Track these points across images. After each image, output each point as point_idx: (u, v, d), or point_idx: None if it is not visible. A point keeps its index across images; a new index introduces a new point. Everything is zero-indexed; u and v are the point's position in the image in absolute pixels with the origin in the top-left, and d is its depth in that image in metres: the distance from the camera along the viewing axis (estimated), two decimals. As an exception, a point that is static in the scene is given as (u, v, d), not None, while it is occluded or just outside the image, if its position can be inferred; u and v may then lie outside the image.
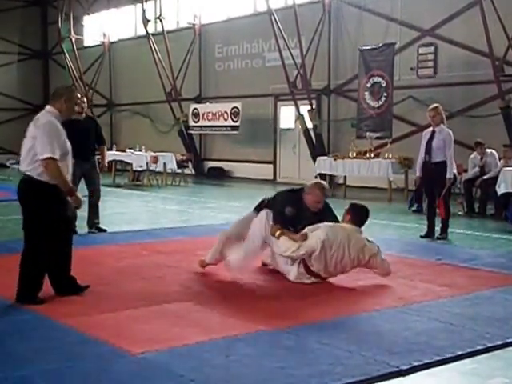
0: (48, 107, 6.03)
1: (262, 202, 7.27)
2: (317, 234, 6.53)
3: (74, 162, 9.63)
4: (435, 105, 9.99)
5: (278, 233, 6.68)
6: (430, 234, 9.77)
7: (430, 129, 9.85)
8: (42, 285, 5.91)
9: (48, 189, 5.81)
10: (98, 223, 10.28)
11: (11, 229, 10.77)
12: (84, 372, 4.22)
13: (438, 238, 9.64)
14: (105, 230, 10.29)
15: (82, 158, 9.58)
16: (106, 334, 4.95)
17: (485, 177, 12.62)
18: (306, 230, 6.68)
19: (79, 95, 9.99)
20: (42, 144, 5.66)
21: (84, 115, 10.03)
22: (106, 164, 10.73)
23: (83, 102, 10.00)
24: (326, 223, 6.77)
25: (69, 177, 5.94)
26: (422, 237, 9.77)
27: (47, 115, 5.89)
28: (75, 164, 9.62)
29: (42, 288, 5.89)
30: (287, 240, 6.62)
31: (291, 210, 6.82)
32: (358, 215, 6.89)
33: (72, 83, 28.22)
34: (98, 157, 10.42)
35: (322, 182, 7.41)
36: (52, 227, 5.95)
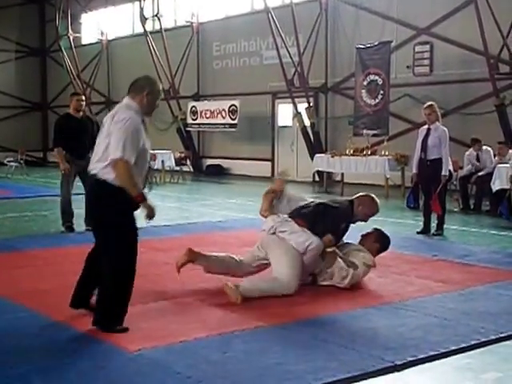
0: (127, 100, 5.15)
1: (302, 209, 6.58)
2: (366, 258, 6.44)
3: (69, 159, 9.84)
4: (430, 103, 10.04)
5: (331, 249, 6.33)
6: (425, 230, 9.83)
7: (426, 126, 9.91)
8: (127, 307, 5.14)
9: (125, 196, 4.96)
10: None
11: (9, 227, 10.80)
12: (81, 369, 4.24)
13: (434, 235, 9.69)
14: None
15: (78, 155, 9.62)
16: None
17: (480, 173, 12.70)
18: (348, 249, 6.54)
19: (79, 93, 10.08)
20: (115, 142, 4.87)
21: (81, 113, 10.02)
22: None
23: (82, 101, 10.00)
24: (359, 246, 6.64)
25: (139, 183, 5.10)
26: (418, 233, 9.84)
27: (127, 111, 5.03)
28: (71, 162, 9.75)
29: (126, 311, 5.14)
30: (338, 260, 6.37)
31: (344, 227, 6.50)
32: (385, 247, 6.78)
33: (70, 81, 28.28)
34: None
35: (371, 194, 6.84)
36: (131, 239, 5.10)
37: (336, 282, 6.32)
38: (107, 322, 4.96)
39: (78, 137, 9.69)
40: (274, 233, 6.24)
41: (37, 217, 11.87)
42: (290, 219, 6.33)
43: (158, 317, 5.42)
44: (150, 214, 5.18)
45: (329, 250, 6.25)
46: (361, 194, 6.74)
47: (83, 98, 10.15)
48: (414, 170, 10.04)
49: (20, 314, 5.47)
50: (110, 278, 4.98)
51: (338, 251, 6.35)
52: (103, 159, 4.94)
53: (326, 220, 6.32)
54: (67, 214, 10.06)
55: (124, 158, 4.83)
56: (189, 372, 4.18)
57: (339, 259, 6.33)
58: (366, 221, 6.71)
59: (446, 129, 9.80)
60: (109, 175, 4.90)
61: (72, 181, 9.99)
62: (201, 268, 6.97)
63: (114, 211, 4.98)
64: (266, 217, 6.46)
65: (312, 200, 6.77)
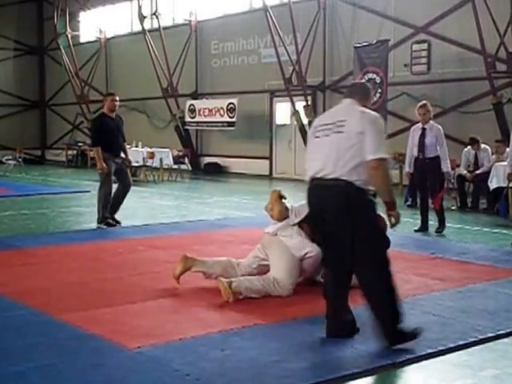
0: (353, 101, 4.95)
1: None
2: None
3: (108, 157, 10.04)
4: (424, 102, 10.12)
5: None
6: (423, 228, 9.89)
7: (419, 125, 9.96)
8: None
9: (372, 201, 4.73)
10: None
11: (7, 225, 10.82)
12: (80, 367, 4.25)
13: (437, 232, 9.75)
14: (119, 223, 10.47)
15: (116, 153, 10.21)
16: (103, 329, 4.99)
17: (477, 172, 12.73)
18: None
19: (113, 94, 10.55)
20: (375, 141, 4.58)
21: (115, 113, 10.38)
22: (130, 159, 11.16)
23: (116, 101, 10.34)
24: None
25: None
26: (415, 231, 9.88)
27: (368, 111, 4.77)
28: (110, 159, 10.04)
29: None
30: None
31: None
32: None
33: (68, 79, 28.26)
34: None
35: None
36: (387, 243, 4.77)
37: None
38: (398, 333, 4.66)
39: (114, 136, 10.18)
40: (276, 234, 6.24)
41: (35, 215, 11.88)
42: (294, 225, 6.29)
43: (156, 314, 5.43)
44: (397, 223, 4.81)
45: None
46: None
47: (117, 98, 10.42)
48: (407, 169, 10.23)
49: (18, 312, 5.48)
50: (381, 288, 4.68)
51: None
52: (345, 160, 4.60)
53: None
54: (106, 210, 10.25)
55: (385, 159, 4.63)
56: (187, 369, 4.19)
57: None
58: None
59: (440, 126, 9.90)
60: (356, 177, 4.59)
61: (111, 179, 10.26)
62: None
63: (371, 218, 4.67)
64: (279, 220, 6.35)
65: None
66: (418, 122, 10.17)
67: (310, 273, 6.28)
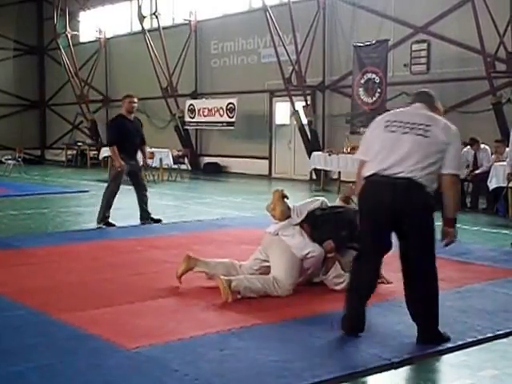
0: (424, 106, 5.01)
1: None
2: None
3: (122, 158, 10.12)
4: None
5: (331, 255, 6.23)
6: None
7: None
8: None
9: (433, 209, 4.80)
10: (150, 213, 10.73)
11: (7, 224, 10.82)
12: (79, 367, 4.25)
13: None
14: (159, 221, 10.70)
15: (131, 156, 10.26)
16: (101, 329, 4.99)
17: (476, 171, 12.74)
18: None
19: (132, 95, 10.59)
20: (457, 157, 4.73)
21: (133, 115, 10.47)
22: (148, 162, 11.22)
23: (135, 103, 10.41)
24: None
25: None
26: None
27: (451, 124, 4.88)
28: (124, 161, 10.11)
29: None
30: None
31: (347, 234, 6.27)
32: None
33: (67, 79, 28.26)
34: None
35: None
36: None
37: (330, 284, 6.31)
38: (437, 332, 4.76)
39: (131, 138, 10.23)
40: (277, 234, 6.23)
41: (34, 215, 11.88)
42: (295, 225, 6.29)
43: (155, 315, 5.43)
44: (450, 242, 4.97)
45: (329, 255, 6.21)
46: None
47: (135, 100, 10.44)
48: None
49: (18, 312, 5.47)
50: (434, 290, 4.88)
51: (338, 256, 6.30)
52: (423, 164, 4.61)
53: (324, 227, 6.26)
54: (109, 208, 10.33)
55: (459, 175, 4.80)
56: (186, 370, 4.19)
57: (337, 263, 6.31)
58: None
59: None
60: (429, 184, 4.65)
61: (122, 178, 10.36)
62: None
63: (431, 215, 4.78)
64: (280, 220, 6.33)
65: (321, 201, 6.68)
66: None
67: (310, 273, 6.28)
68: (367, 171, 4.86)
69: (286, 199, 6.36)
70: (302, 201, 6.66)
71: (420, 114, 4.85)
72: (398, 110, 5.12)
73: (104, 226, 10.19)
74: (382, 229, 4.81)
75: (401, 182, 4.61)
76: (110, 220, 10.34)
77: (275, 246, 6.17)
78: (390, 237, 4.83)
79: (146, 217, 10.58)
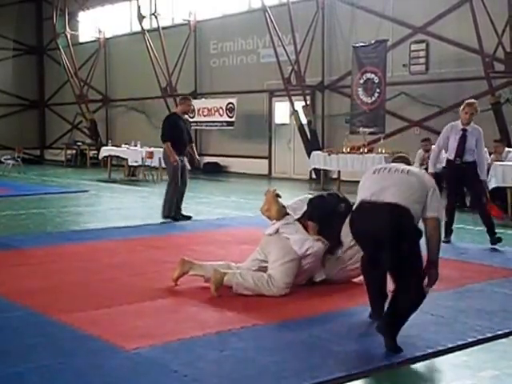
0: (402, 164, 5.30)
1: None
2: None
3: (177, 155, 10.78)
4: (473, 100, 9.25)
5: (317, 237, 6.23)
6: (448, 236, 8.91)
7: (458, 126, 8.88)
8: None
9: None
10: (181, 210, 11.21)
11: (5, 224, 10.82)
12: (78, 368, 4.25)
13: (498, 240, 8.76)
14: (190, 217, 11.13)
15: (181, 152, 10.99)
16: (101, 329, 4.99)
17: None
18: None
19: (189, 98, 11.58)
20: (438, 201, 4.96)
21: (185, 116, 11.38)
22: (198, 158, 11.74)
23: (191, 105, 11.42)
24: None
25: None
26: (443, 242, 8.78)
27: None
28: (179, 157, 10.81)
29: None
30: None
31: (344, 207, 6.32)
32: None
33: (67, 79, 28.25)
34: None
35: None
36: None
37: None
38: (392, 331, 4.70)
39: (182, 136, 11.01)
40: (277, 231, 6.21)
41: (34, 215, 11.88)
42: (295, 221, 6.30)
43: (155, 315, 5.43)
44: (433, 283, 5.07)
45: (315, 237, 6.19)
46: None
47: (192, 102, 11.41)
48: (431, 170, 9.17)
49: (17, 313, 5.47)
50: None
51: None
52: (408, 195, 4.82)
53: (313, 211, 6.36)
54: (175, 204, 11.04)
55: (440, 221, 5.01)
56: (186, 370, 4.19)
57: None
58: None
59: (481, 129, 8.93)
60: (413, 211, 4.79)
61: (179, 172, 10.98)
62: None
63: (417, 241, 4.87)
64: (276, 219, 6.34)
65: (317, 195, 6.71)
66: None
67: (310, 271, 6.27)
68: (355, 203, 5.14)
69: (279, 198, 6.36)
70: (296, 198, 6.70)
71: (401, 165, 5.18)
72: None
73: (169, 220, 10.81)
74: (373, 249, 4.99)
75: (383, 206, 4.80)
76: (184, 212, 11.13)
77: (273, 245, 6.16)
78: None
79: (170, 214, 10.94)
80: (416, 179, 4.93)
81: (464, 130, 8.79)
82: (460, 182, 9.23)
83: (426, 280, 4.93)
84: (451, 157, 8.94)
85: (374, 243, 4.91)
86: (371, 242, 4.94)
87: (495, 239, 8.75)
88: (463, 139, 8.77)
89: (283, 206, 6.33)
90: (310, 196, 6.71)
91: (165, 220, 10.89)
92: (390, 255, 4.80)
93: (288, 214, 6.32)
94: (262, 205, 6.40)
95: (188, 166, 11.30)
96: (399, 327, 4.66)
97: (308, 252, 6.08)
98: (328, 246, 6.27)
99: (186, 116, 11.31)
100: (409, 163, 5.38)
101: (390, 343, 4.57)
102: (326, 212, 6.34)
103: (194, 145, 11.59)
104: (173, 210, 10.98)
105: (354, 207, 5.12)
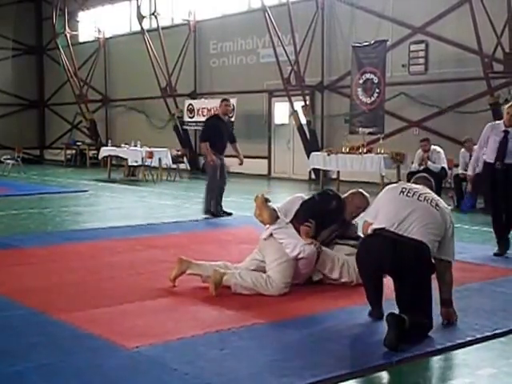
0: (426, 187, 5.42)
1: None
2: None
3: (216, 154, 11.24)
4: None
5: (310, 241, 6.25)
6: (502, 251, 8.18)
7: (500, 127, 8.23)
8: None
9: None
10: (222, 206, 11.65)
11: (6, 224, 10.82)
12: (78, 367, 4.26)
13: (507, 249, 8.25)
14: (231, 214, 11.56)
15: (220, 151, 11.47)
16: (101, 328, 5.00)
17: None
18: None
19: (228, 99, 12.08)
20: (453, 245, 5.22)
21: (227, 117, 11.90)
22: (242, 158, 11.97)
23: (230, 106, 11.97)
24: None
25: None
26: (495, 255, 8.13)
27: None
28: (215, 156, 11.27)
29: None
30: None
31: (335, 204, 6.47)
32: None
33: (67, 79, 28.25)
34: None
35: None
36: None
37: (328, 275, 6.38)
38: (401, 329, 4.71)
39: (222, 137, 11.52)
40: (271, 235, 6.23)
41: (34, 214, 11.89)
42: (288, 224, 6.33)
43: (155, 314, 5.44)
44: (453, 321, 5.24)
45: (308, 240, 6.21)
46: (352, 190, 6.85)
47: (231, 103, 12.07)
48: (471, 172, 8.81)
49: (17, 312, 5.48)
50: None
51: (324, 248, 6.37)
52: (431, 231, 4.97)
53: (313, 204, 6.51)
54: (220, 199, 11.56)
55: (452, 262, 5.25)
56: (186, 369, 4.20)
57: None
58: (354, 214, 6.67)
59: None
60: (431, 247, 4.95)
61: (218, 171, 11.48)
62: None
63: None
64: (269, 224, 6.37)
65: (301, 197, 6.76)
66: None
67: (306, 273, 6.30)
68: (376, 225, 5.12)
69: (268, 203, 6.40)
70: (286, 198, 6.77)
71: (428, 191, 5.26)
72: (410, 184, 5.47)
73: (209, 216, 11.26)
74: (375, 273, 5.18)
75: (409, 242, 4.90)
76: (226, 209, 11.57)
77: (270, 246, 6.21)
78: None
79: (210, 209, 11.41)
80: (440, 215, 5.04)
81: (506, 132, 8.11)
82: (502, 187, 8.22)
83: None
84: (490, 160, 8.22)
85: (385, 270, 5.08)
86: (383, 269, 5.07)
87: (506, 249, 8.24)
88: (505, 141, 8.08)
89: (274, 210, 6.36)
90: (299, 195, 6.80)
91: (205, 216, 11.34)
92: (409, 288, 4.91)
93: (279, 217, 6.35)
94: (254, 210, 6.44)
95: (226, 165, 11.83)
96: (407, 331, 4.65)
97: (300, 256, 6.10)
98: (320, 248, 6.32)
99: (226, 116, 11.87)
100: (431, 186, 5.44)
101: (391, 337, 4.55)
102: (318, 213, 6.41)
103: (237, 144, 11.97)
104: (212, 206, 11.43)
105: (374, 229, 5.10)
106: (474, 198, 12.32)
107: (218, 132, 11.40)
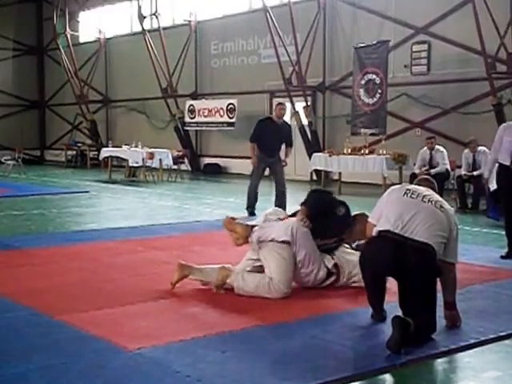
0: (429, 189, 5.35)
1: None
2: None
3: (260, 156, 11.35)
4: None
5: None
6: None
7: None
8: None
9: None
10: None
11: (6, 225, 10.81)
12: (81, 368, 4.24)
13: None
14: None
15: (268, 154, 11.51)
16: (103, 330, 4.98)
17: (475, 173, 12.66)
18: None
19: (283, 103, 12.18)
20: (456, 245, 5.19)
21: (282, 120, 11.74)
22: (287, 161, 12.05)
23: (284, 109, 11.85)
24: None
25: None
26: (502, 257, 7.95)
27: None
28: (261, 158, 11.40)
29: None
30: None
31: (342, 210, 6.34)
32: None
33: (67, 79, 28.25)
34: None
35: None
36: None
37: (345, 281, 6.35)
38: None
39: (272, 139, 11.49)
40: (258, 242, 6.20)
41: (34, 215, 11.87)
42: (265, 222, 6.36)
43: (157, 316, 5.42)
44: (458, 324, 5.21)
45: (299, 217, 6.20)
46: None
47: (284, 106, 12.00)
48: (487, 175, 8.68)
49: (19, 313, 5.46)
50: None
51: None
52: (437, 234, 4.94)
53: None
54: (252, 199, 11.72)
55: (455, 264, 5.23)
56: (188, 371, 4.18)
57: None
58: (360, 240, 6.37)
59: None
60: (437, 249, 4.93)
61: (261, 173, 11.76)
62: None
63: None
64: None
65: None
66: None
67: (312, 271, 6.27)
68: (380, 227, 5.06)
69: (235, 220, 6.50)
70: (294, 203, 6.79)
71: (432, 193, 5.22)
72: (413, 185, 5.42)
73: (246, 214, 11.45)
74: (380, 276, 5.15)
75: (414, 244, 4.85)
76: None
77: (263, 250, 6.17)
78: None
79: (249, 206, 11.68)
80: (445, 217, 5.02)
81: None
82: None
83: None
84: (506, 162, 7.84)
85: (390, 273, 5.05)
86: (388, 271, 5.04)
87: None
88: None
89: (246, 225, 6.39)
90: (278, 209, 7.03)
91: (246, 211, 11.61)
92: (414, 290, 4.90)
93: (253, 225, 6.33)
94: (232, 239, 6.45)
95: (279, 168, 11.76)
96: (410, 334, 4.61)
97: (295, 234, 6.02)
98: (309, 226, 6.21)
99: (281, 120, 11.72)
100: (434, 188, 5.40)
101: (395, 340, 4.50)
102: (323, 206, 6.37)
103: (290, 148, 11.98)
104: (251, 205, 11.61)
105: (378, 232, 5.05)
106: (497, 204, 11.63)
107: (267, 135, 11.41)
